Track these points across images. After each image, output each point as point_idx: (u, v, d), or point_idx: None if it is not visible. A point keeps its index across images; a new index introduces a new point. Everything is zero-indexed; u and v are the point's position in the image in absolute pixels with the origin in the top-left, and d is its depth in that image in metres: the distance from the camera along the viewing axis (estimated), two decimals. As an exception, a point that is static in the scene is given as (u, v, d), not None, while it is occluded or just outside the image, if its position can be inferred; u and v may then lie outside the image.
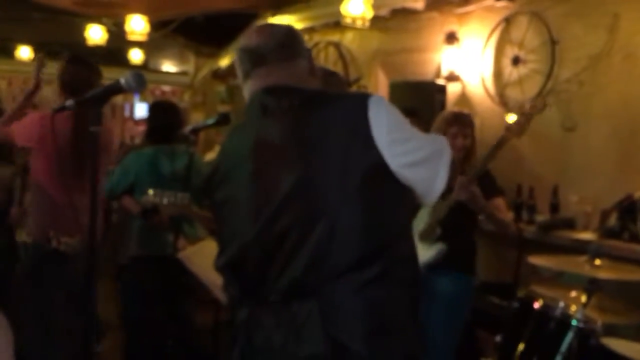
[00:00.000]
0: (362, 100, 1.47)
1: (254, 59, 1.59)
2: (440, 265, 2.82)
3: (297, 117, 1.50)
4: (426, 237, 2.86)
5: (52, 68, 3.11)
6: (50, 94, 3.55)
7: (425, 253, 2.80)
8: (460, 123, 3.07)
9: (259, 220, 1.47)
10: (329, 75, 2.50)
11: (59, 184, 2.75)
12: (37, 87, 3.02)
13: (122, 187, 3.37)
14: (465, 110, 3.36)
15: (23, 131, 2.81)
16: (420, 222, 2.89)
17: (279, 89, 1.56)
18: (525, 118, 2.83)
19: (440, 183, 1.52)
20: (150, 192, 2.69)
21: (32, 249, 2.82)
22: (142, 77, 1.58)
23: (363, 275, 1.41)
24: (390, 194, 1.48)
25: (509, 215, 3.13)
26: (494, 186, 3.09)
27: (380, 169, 1.44)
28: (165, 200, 2.69)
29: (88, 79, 2.89)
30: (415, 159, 1.48)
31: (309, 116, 1.49)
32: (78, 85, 2.83)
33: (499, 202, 3.05)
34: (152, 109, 3.71)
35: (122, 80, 1.55)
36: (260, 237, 1.47)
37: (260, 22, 6.84)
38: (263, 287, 1.47)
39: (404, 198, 1.53)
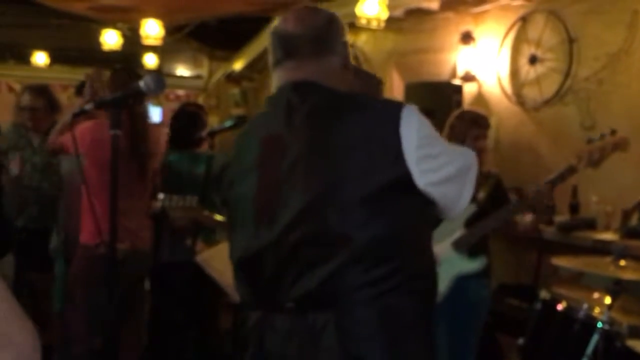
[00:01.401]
0: (394, 111, 1.41)
1: (286, 48, 1.52)
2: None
3: (322, 120, 1.44)
4: (462, 246, 2.78)
5: (69, 73, 3.14)
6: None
7: (464, 264, 2.76)
8: (482, 125, 3.04)
9: (274, 226, 1.41)
10: (367, 77, 2.46)
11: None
12: (92, 97, 3.03)
13: None
14: (481, 111, 3.32)
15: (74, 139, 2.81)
16: (450, 229, 2.80)
17: (307, 85, 1.48)
18: (602, 152, 2.66)
19: (465, 200, 1.48)
20: (160, 196, 2.69)
21: (83, 252, 2.83)
22: (161, 79, 1.57)
23: (381, 289, 1.37)
24: (413, 209, 1.44)
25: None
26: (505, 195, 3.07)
27: (405, 185, 1.39)
28: (173, 204, 2.68)
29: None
30: (443, 177, 1.43)
31: (336, 121, 1.43)
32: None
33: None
34: (173, 116, 3.71)
35: (142, 83, 1.54)
36: (275, 245, 1.42)
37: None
38: (277, 292, 1.42)
39: (426, 213, 1.50)
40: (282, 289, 1.41)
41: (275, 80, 1.56)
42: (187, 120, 3.60)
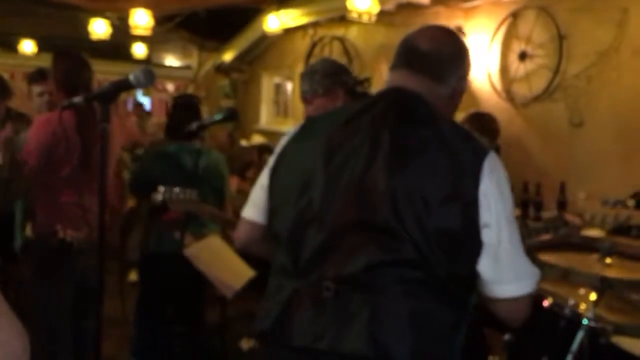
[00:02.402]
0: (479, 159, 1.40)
1: (407, 58, 1.57)
2: None
3: (407, 129, 1.44)
4: None
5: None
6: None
7: None
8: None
9: (331, 205, 1.41)
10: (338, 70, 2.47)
11: (66, 181, 2.74)
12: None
13: (143, 184, 3.34)
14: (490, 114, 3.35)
15: (35, 139, 2.72)
16: None
17: (410, 94, 1.51)
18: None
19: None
20: (161, 188, 2.67)
21: (38, 244, 2.80)
22: (151, 73, 1.55)
23: (420, 290, 1.36)
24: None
25: None
26: None
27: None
28: (174, 197, 2.66)
29: (81, 72, 2.85)
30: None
31: (422, 132, 1.43)
32: (74, 80, 2.79)
33: None
34: (174, 105, 3.67)
35: (132, 77, 1.53)
36: (326, 223, 1.41)
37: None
38: (316, 269, 1.41)
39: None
40: (322, 267, 1.40)
41: (388, 82, 1.60)
42: (187, 111, 3.56)
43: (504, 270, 1.38)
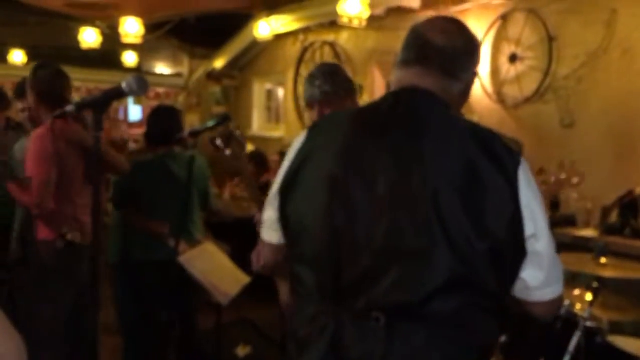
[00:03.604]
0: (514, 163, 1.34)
1: (420, 53, 1.44)
2: None
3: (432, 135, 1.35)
4: None
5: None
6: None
7: None
8: None
9: (374, 227, 1.30)
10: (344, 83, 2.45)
11: (60, 187, 2.74)
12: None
13: (127, 195, 3.34)
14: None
15: (41, 157, 2.71)
16: None
17: (428, 94, 1.41)
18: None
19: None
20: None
21: (43, 248, 2.79)
22: (144, 81, 1.55)
23: (477, 314, 1.32)
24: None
25: None
26: None
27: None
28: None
29: (60, 84, 2.85)
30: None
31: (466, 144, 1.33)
32: (54, 91, 2.79)
33: None
34: (152, 113, 3.67)
35: (124, 85, 1.52)
36: (375, 247, 1.30)
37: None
38: (360, 296, 1.31)
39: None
40: (369, 294, 1.30)
41: (396, 78, 1.47)
42: (167, 119, 3.56)
43: (547, 275, 1.36)
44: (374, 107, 1.44)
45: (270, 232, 1.53)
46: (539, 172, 2.44)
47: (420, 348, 1.28)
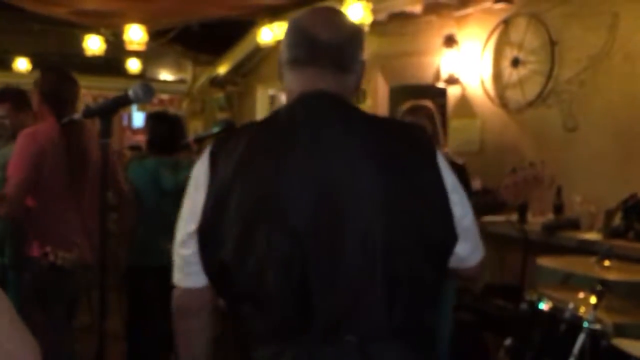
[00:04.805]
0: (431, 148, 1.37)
1: (310, 51, 1.35)
2: None
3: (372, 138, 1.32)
4: None
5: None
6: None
7: None
8: (415, 114, 3.07)
9: (335, 252, 1.23)
10: None
11: (54, 200, 2.72)
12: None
13: None
14: (423, 102, 3.31)
15: (20, 157, 2.66)
16: None
17: (332, 97, 1.35)
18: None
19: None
20: None
21: (31, 265, 2.77)
22: (150, 88, 1.57)
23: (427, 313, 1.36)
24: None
25: None
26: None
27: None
28: None
29: (67, 88, 2.85)
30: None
31: (384, 141, 1.32)
32: (59, 95, 2.78)
33: None
34: (152, 120, 3.69)
35: (130, 92, 1.54)
36: (342, 273, 1.23)
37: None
38: (333, 327, 1.24)
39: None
40: (343, 323, 1.24)
41: (291, 80, 1.39)
42: (169, 126, 3.58)
43: (473, 242, 1.43)
44: (282, 121, 1.33)
45: (191, 276, 1.35)
46: (511, 172, 2.43)
47: None
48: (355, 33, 1.41)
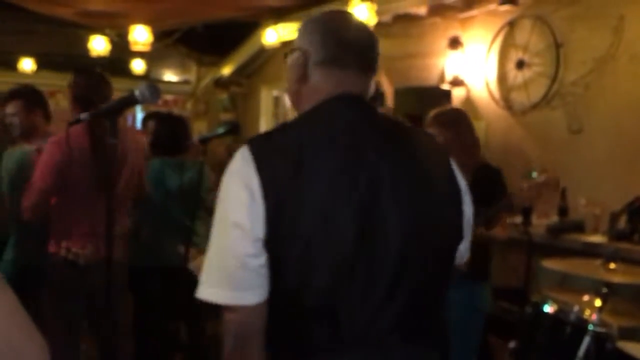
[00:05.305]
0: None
1: (343, 53, 1.36)
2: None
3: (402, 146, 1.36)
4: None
5: (56, 80, 3.07)
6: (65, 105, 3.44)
7: None
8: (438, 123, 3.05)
9: (377, 252, 1.25)
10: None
11: (74, 197, 2.74)
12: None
13: None
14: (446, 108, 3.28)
15: (46, 165, 2.70)
16: None
17: (363, 102, 1.38)
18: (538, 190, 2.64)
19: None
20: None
21: (51, 260, 2.80)
22: (156, 89, 1.57)
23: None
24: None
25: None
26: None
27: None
28: None
29: (99, 90, 2.86)
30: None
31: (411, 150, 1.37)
32: (91, 97, 2.80)
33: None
34: (156, 120, 3.70)
35: (137, 92, 1.54)
36: (387, 268, 1.25)
37: (264, 29, 6.85)
38: (377, 324, 1.25)
39: None
40: (384, 318, 1.25)
41: (319, 80, 1.37)
42: (174, 127, 3.59)
43: (469, 240, 1.49)
44: (327, 121, 1.32)
45: (258, 290, 1.23)
46: (525, 177, 2.53)
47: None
48: (373, 36, 1.43)
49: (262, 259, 1.20)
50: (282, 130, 1.33)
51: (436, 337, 1.37)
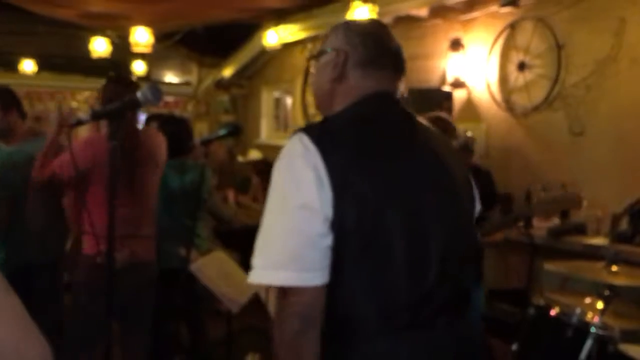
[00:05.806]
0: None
1: (384, 55, 1.44)
2: None
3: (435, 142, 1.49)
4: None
5: (57, 81, 3.06)
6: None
7: None
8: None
9: (430, 242, 1.34)
10: None
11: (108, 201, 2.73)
12: (60, 129, 2.92)
13: None
14: (443, 114, 3.32)
15: (78, 156, 2.63)
16: None
17: (396, 99, 1.48)
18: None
19: None
20: None
21: (84, 261, 2.76)
22: (158, 90, 1.57)
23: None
24: None
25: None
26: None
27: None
28: None
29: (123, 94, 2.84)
30: None
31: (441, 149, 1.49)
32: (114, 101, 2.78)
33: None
34: (158, 122, 3.69)
35: (139, 94, 1.54)
36: (450, 256, 1.37)
37: (264, 32, 6.85)
38: (430, 305, 1.33)
39: None
40: (433, 302, 1.33)
41: (359, 79, 1.42)
42: (176, 128, 3.59)
43: None
44: (377, 116, 1.40)
45: (323, 271, 1.24)
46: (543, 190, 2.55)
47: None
48: (399, 46, 1.50)
49: (329, 240, 1.23)
50: (333, 121, 1.37)
51: (474, 319, 1.47)
